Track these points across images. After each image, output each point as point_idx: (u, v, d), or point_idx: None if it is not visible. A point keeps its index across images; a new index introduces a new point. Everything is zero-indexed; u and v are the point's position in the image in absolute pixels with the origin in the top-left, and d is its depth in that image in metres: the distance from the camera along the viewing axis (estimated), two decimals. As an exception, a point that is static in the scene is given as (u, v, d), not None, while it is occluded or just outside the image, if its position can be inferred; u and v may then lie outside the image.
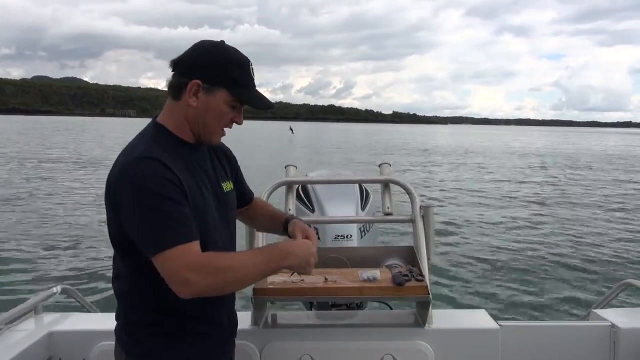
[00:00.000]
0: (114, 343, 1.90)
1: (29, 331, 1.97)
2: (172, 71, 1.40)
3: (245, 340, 1.85)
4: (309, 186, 2.78)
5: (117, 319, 1.47)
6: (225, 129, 1.46)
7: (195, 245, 1.26)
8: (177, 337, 1.40)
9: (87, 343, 1.93)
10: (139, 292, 1.39)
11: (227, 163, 1.61)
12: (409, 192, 2.20)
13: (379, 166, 2.43)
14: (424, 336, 1.93)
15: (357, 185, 2.86)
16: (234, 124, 1.45)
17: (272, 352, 1.91)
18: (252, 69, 1.42)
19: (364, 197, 2.86)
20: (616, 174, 23.53)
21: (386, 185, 2.31)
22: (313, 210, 2.69)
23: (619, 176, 22.64)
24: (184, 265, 1.22)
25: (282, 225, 1.67)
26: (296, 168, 2.42)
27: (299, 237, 1.53)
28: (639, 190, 17.67)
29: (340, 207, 2.65)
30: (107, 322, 2.13)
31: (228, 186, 1.55)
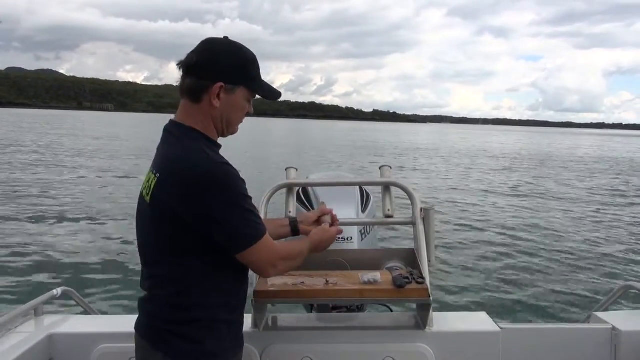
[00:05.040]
0: (113, 345, 1.91)
1: (29, 333, 1.97)
2: (185, 74, 1.45)
3: (246, 342, 1.85)
4: (309, 188, 2.78)
5: (153, 319, 1.48)
6: None
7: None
8: (217, 329, 1.46)
9: (87, 345, 1.93)
10: (189, 291, 1.43)
11: None
12: (409, 194, 2.20)
13: (380, 168, 2.43)
14: (424, 338, 1.93)
15: (357, 188, 2.85)
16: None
17: (273, 354, 1.91)
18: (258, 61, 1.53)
19: (365, 199, 2.85)
20: (615, 176, 23.56)
21: (386, 187, 2.31)
22: (313, 212, 2.69)
23: (619, 178, 22.67)
24: (274, 253, 1.47)
25: (289, 228, 1.85)
26: (296, 170, 2.43)
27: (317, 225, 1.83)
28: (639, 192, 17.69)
29: (340, 209, 2.64)
30: (107, 324, 2.13)
31: None
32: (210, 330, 1.45)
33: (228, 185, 1.37)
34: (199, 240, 1.39)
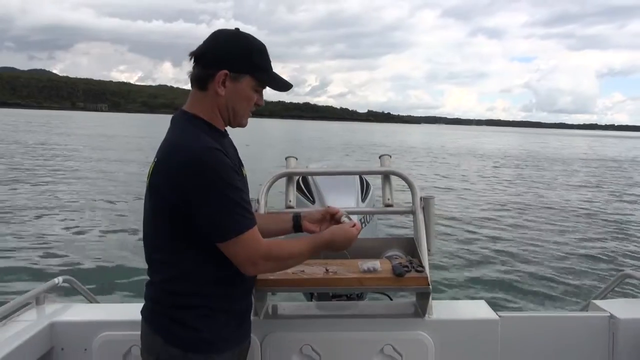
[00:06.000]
0: (115, 333, 1.92)
1: (31, 321, 1.98)
2: (194, 63, 1.46)
3: None
4: (309, 177, 2.78)
5: (154, 304, 1.48)
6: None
7: (257, 229, 1.41)
8: (215, 318, 1.45)
9: (88, 333, 1.94)
10: (187, 278, 1.43)
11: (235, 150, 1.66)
12: (409, 183, 2.20)
13: (380, 157, 2.43)
14: (423, 326, 1.94)
15: (357, 177, 2.85)
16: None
17: (273, 342, 1.92)
18: (268, 52, 1.50)
19: (364, 188, 2.86)
20: (614, 171, 23.54)
21: (386, 176, 2.31)
22: (313, 201, 2.70)
23: (617, 173, 22.65)
24: (255, 251, 1.40)
25: (292, 224, 1.75)
26: (296, 159, 2.43)
27: (324, 225, 1.70)
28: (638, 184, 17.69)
29: (340, 198, 2.65)
30: (108, 312, 2.14)
31: (244, 172, 1.59)
32: (209, 319, 1.44)
33: (216, 172, 1.34)
34: (194, 227, 1.37)
